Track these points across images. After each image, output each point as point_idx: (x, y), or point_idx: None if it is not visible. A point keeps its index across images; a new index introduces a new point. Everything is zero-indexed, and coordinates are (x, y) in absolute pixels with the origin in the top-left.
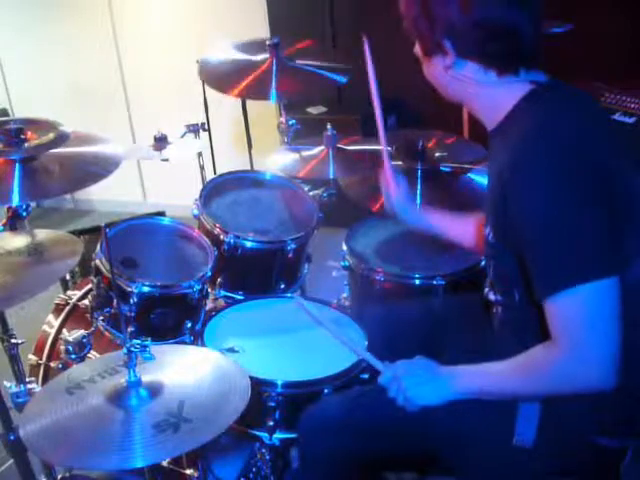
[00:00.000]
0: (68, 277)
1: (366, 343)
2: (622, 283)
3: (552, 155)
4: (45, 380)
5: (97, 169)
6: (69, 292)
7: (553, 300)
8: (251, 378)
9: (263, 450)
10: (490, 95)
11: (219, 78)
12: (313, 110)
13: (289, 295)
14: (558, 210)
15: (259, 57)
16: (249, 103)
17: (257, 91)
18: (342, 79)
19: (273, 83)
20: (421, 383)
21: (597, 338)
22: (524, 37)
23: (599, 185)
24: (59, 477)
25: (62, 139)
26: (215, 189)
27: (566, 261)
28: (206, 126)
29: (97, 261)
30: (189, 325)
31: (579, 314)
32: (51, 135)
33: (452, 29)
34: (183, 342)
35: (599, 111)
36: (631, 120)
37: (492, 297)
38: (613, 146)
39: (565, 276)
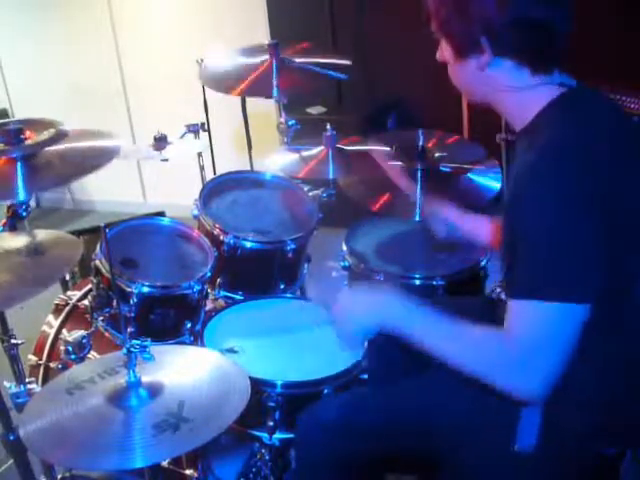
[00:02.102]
0: (68, 277)
1: (366, 343)
2: (629, 300)
3: (560, 173)
4: (45, 380)
5: (97, 159)
6: (69, 292)
7: (526, 303)
8: (251, 378)
9: (263, 450)
10: (520, 96)
11: (219, 78)
12: (313, 110)
13: (289, 295)
14: (554, 225)
15: (258, 59)
16: (249, 103)
17: (258, 89)
18: (342, 76)
19: (274, 81)
20: (358, 296)
21: (550, 355)
22: (558, 35)
23: (602, 209)
24: (59, 477)
25: (61, 136)
26: (215, 189)
27: (552, 275)
28: (206, 126)
29: (97, 261)
30: (189, 325)
31: (544, 327)
32: (50, 131)
33: (489, 27)
34: (183, 342)
35: (623, 122)
36: None
37: (503, 297)
38: (631, 161)
39: (546, 288)
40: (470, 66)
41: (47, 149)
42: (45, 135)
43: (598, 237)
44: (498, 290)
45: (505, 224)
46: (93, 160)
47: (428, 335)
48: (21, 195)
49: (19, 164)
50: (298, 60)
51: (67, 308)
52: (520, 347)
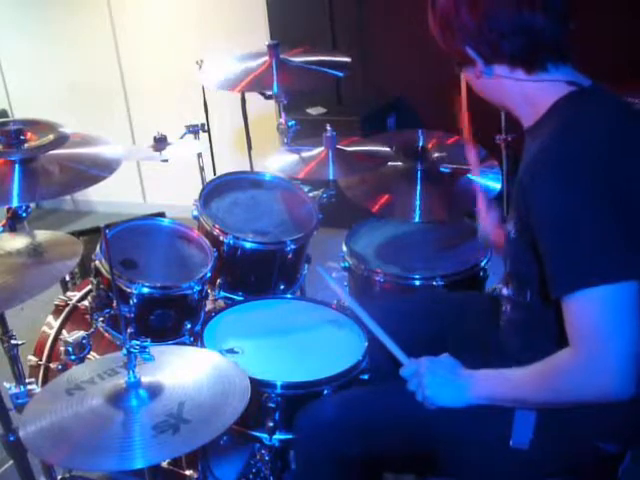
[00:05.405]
0: (68, 278)
1: (366, 344)
2: None
3: (573, 156)
4: (45, 381)
5: (96, 171)
6: (69, 293)
7: (570, 299)
8: (251, 379)
9: (263, 451)
10: (527, 94)
11: (219, 78)
12: (312, 111)
13: (289, 296)
14: (576, 210)
15: (258, 60)
16: (249, 104)
17: (257, 86)
18: (340, 73)
19: (274, 78)
20: (441, 384)
21: (615, 344)
22: (540, 33)
23: (620, 189)
24: (59, 478)
25: (62, 140)
26: (215, 190)
27: (585, 260)
28: (206, 127)
29: (97, 262)
30: (189, 326)
31: (597, 317)
32: (51, 136)
33: (469, 36)
34: (183, 343)
35: (634, 119)
36: None
37: (505, 292)
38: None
39: (583, 275)
40: (471, 75)
41: (46, 154)
42: (46, 139)
43: (620, 217)
44: (498, 289)
45: (515, 221)
46: (92, 172)
47: (507, 394)
48: (15, 201)
49: (17, 168)
50: (297, 59)
51: (67, 309)
52: (585, 352)
